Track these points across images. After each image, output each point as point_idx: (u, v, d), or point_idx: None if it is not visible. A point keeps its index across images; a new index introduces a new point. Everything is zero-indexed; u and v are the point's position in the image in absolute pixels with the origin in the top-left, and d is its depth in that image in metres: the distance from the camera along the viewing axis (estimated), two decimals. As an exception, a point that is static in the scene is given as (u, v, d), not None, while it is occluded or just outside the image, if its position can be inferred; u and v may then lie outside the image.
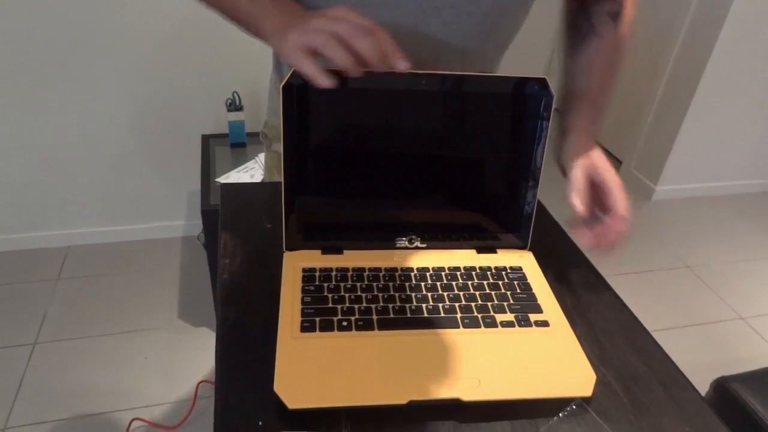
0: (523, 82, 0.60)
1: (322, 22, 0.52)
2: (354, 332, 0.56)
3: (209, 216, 1.56)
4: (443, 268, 0.66)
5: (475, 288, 0.63)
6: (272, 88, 0.92)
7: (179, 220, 2.19)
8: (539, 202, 0.76)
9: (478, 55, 0.76)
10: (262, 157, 1.75)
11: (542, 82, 0.61)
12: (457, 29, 0.71)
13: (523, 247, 0.71)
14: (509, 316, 0.60)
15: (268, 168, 1.00)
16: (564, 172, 0.71)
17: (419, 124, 0.60)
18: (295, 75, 0.55)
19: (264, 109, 1.00)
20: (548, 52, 3.29)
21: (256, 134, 1.29)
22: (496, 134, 0.63)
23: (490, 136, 0.63)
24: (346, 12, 0.52)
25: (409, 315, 0.59)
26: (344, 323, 0.57)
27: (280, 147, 0.93)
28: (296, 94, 0.56)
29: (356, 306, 0.59)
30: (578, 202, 0.66)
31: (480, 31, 0.72)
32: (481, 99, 0.61)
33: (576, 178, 0.67)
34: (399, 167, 0.62)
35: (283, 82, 0.55)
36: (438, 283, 0.63)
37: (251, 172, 1.68)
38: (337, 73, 0.53)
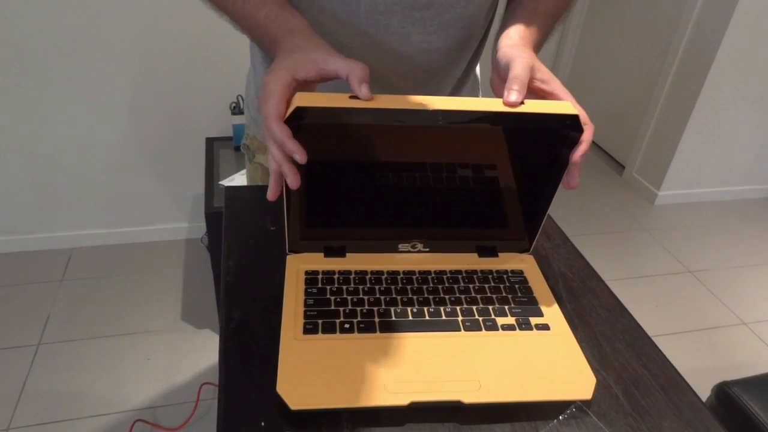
0: (553, 118, 0.57)
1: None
2: (356, 334, 0.57)
3: (213, 218, 1.57)
4: (445, 271, 0.66)
5: (477, 291, 0.64)
6: (253, 96, 0.89)
7: (183, 222, 2.20)
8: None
9: (444, 76, 0.78)
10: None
11: (573, 119, 0.57)
12: (427, 49, 0.73)
13: (525, 251, 0.71)
14: (510, 320, 0.60)
15: (251, 179, 0.98)
16: (496, 63, 0.63)
17: (431, 146, 0.59)
18: (298, 112, 0.53)
19: None
20: (551, 56, 3.29)
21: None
22: (514, 156, 0.61)
23: (506, 157, 0.61)
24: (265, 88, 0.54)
25: (410, 318, 0.59)
26: (346, 325, 0.57)
27: (263, 159, 0.93)
28: (299, 129, 0.55)
29: (358, 308, 0.60)
30: (518, 95, 0.56)
31: (448, 51, 0.74)
32: (503, 132, 0.58)
33: (521, 67, 0.57)
34: (404, 173, 0.62)
35: (285, 119, 0.54)
36: (439, 286, 0.64)
37: (255, 175, 1.69)
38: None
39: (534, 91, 0.60)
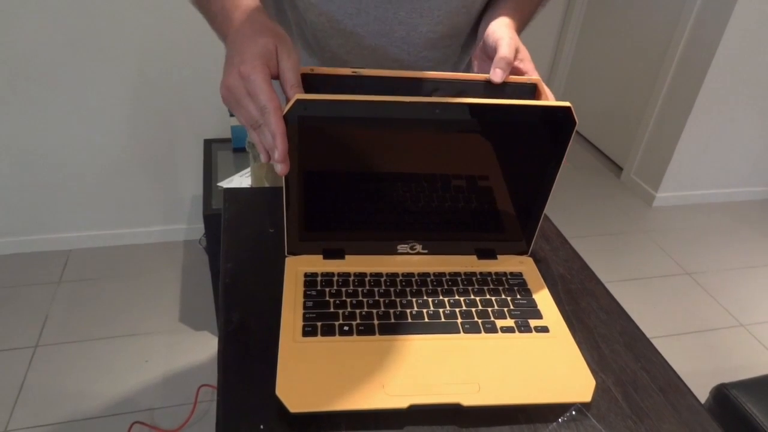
0: (546, 109, 0.58)
1: (232, 95, 0.54)
2: (355, 337, 0.57)
3: (211, 220, 1.57)
4: (444, 273, 0.66)
5: (476, 293, 0.64)
6: None
7: (181, 224, 2.20)
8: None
9: (451, 64, 0.79)
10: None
11: (566, 110, 0.58)
12: (411, 43, 0.74)
13: (524, 253, 0.71)
14: (509, 322, 0.60)
15: (257, 178, 0.98)
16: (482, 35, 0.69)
17: (428, 142, 0.59)
18: (298, 105, 0.53)
19: None
20: (549, 58, 3.30)
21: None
22: (511, 152, 0.62)
23: (503, 154, 0.61)
24: (249, 83, 0.52)
25: (410, 320, 0.59)
26: (345, 328, 0.57)
27: None
28: (298, 122, 0.55)
29: (357, 311, 0.59)
30: (503, 74, 0.62)
31: (432, 43, 0.75)
32: (500, 124, 0.59)
33: (508, 48, 0.63)
34: (403, 175, 0.62)
35: (285, 112, 0.54)
36: (439, 289, 0.64)
37: (253, 176, 1.69)
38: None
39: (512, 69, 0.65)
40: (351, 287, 0.62)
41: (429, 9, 0.69)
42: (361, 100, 0.54)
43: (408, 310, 0.60)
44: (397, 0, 0.68)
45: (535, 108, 0.58)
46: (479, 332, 0.59)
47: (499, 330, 0.59)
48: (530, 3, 0.76)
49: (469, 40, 0.79)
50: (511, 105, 0.57)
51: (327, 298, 0.61)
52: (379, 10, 0.69)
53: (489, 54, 0.66)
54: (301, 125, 0.56)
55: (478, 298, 0.63)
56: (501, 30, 0.65)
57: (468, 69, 0.85)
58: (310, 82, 0.59)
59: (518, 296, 0.64)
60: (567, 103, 0.58)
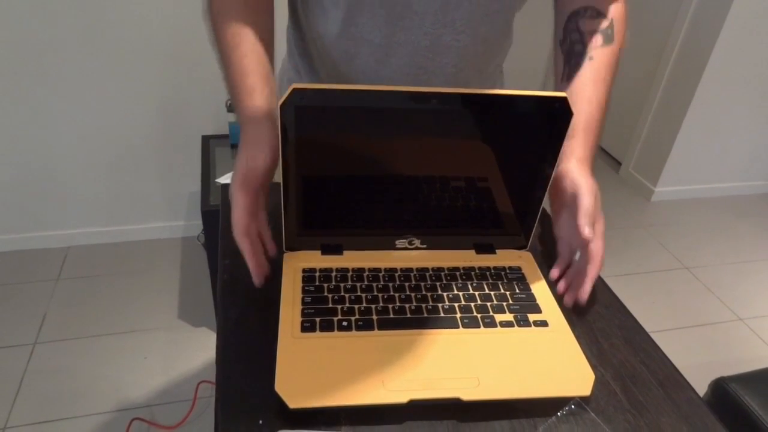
0: (543, 100, 0.58)
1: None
2: (354, 332, 0.56)
3: (209, 216, 1.57)
4: (442, 268, 0.66)
5: (475, 288, 0.64)
6: (285, 82, 0.90)
7: (179, 220, 2.20)
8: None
9: (472, 70, 0.79)
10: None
11: (562, 101, 0.59)
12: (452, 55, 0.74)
13: (522, 248, 0.71)
14: (508, 316, 0.60)
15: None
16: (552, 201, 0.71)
17: (426, 135, 0.59)
18: (295, 94, 0.54)
19: None
20: (549, 52, 3.29)
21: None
22: (508, 146, 0.62)
23: (501, 147, 0.62)
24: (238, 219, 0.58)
25: (408, 315, 0.59)
26: (344, 323, 0.57)
27: None
28: (296, 112, 0.55)
29: (356, 306, 0.59)
30: (555, 272, 0.69)
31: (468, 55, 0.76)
32: (497, 115, 0.59)
33: (588, 200, 0.63)
34: (401, 171, 0.62)
35: (281, 102, 0.54)
36: (437, 283, 0.64)
37: (251, 172, 1.68)
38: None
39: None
40: (349, 283, 0.62)
41: (452, 20, 0.71)
42: (357, 89, 0.54)
43: (407, 305, 0.60)
44: (422, 12, 0.69)
45: (531, 98, 0.58)
46: (478, 327, 0.59)
47: (498, 324, 0.59)
48: (603, 110, 0.72)
49: (495, 47, 0.80)
50: (507, 95, 0.58)
51: (325, 294, 0.61)
52: (405, 21, 0.70)
53: (565, 198, 0.66)
54: (298, 116, 0.55)
55: (476, 293, 0.63)
56: (578, 180, 0.65)
57: (487, 80, 0.86)
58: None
59: (517, 290, 0.64)
60: (563, 94, 0.58)
